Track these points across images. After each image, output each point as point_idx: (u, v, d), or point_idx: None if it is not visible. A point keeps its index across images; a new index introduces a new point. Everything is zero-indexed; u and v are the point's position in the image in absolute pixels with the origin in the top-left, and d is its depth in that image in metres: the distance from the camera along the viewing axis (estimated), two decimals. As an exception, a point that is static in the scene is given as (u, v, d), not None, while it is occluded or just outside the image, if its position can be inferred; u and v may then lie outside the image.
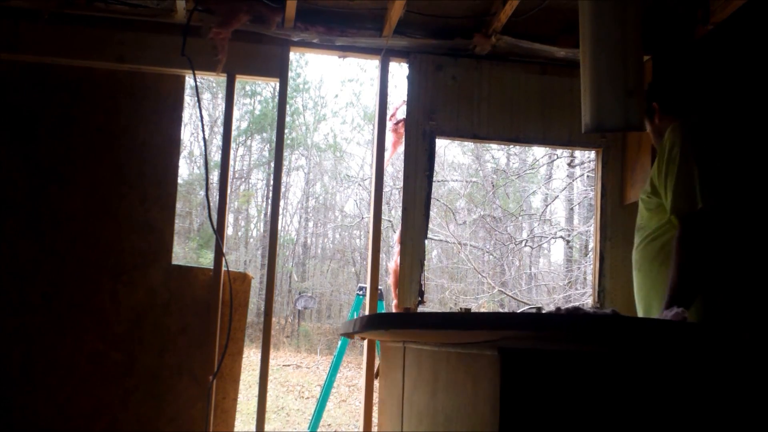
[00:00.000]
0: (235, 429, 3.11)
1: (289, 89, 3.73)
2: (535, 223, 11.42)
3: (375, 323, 1.68)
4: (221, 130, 3.69)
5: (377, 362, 3.05)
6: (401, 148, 3.26)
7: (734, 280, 1.83)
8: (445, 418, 1.53)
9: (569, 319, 1.28)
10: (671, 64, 3.26)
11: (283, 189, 9.52)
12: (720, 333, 1.50)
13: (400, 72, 17.42)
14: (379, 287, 3.42)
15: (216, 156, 12.34)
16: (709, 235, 1.75)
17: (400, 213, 3.23)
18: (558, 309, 1.78)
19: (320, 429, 7.22)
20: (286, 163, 15.48)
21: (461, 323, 1.27)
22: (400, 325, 1.58)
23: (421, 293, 3.17)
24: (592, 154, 3.65)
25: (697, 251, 1.74)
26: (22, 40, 2.95)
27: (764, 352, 1.44)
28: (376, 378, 3.03)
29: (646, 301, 2.11)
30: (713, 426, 1.32)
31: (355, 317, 1.88)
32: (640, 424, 1.26)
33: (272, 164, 13.74)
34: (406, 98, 3.26)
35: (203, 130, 3.45)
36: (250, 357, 9.97)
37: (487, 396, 1.24)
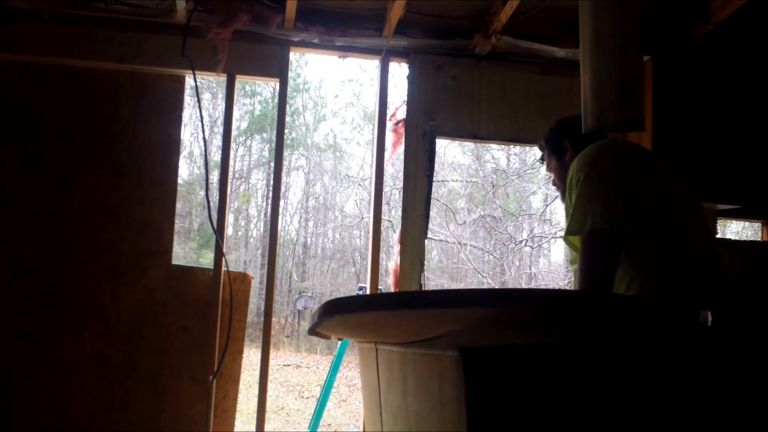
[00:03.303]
0: (235, 429, 3.11)
1: (289, 89, 3.73)
2: (535, 223, 11.42)
3: (330, 310, 1.62)
4: (221, 130, 3.69)
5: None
6: (401, 148, 3.26)
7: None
8: (416, 419, 1.51)
9: (527, 294, 1.25)
10: (671, 64, 3.26)
11: (283, 189, 9.53)
12: (681, 311, 1.48)
13: (400, 72, 17.42)
14: (379, 287, 3.41)
15: (216, 156, 12.34)
16: (611, 250, 1.72)
17: (400, 213, 3.23)
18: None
19: (320, 429, 7.22)
20: (286, 163, 15.48)
21: (414, 302, 1.25)
22: (353, 308, 1.53)
23: (421, 293, 3.17)
24: (592, 154, 3.65)
25: (600, 265, 1.71)
26: (22, 40, 2.95)
27: (730, 335, 1.43)
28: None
29: None
30: (684, 420, 1.31)
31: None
32: (604, 416, 1.25)
33: (272, 164, 13.74)
34: (406, 98, 3.26)
35: (203, 130, 3.45)
36: (250, 357, 9.97)
37: (452, 397, 1.23)
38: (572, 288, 2.06)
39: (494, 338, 1.25)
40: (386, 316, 1.41)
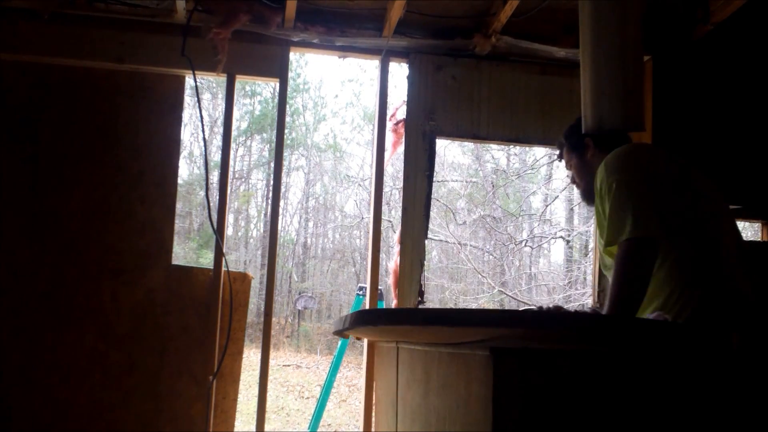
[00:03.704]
0: (235, 429, 3.10)
1: (289, 89, 3.73)
2: (535, 223, 11.42)
3: (365, 319, 1.67)
4: (221, 130, 3.69)
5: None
6: (401, 149, 3.26)
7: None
8: (437, 418, 1.53)
9: (556, 317, 1.28)
10: (671, 64, 3.26)
11: (283, 189, 9.52)
12: (707, 334, 1.49)
13: (400, 72, 17.41)
14: (379, 287, 3.41)
15: (216, 156, 12.33)
16: (648, 259, 1.68)
17: (400, 213, 3.23)
18: (540, 308, 1.77)
19: (320, 429, 7.22)
20: (286, 163, 15.47)
21: (449, 320, 1.27)
22: (389, 321, 1.57)
23: (421, 293, 3.17)
24: (592, 154, 3.65)
25: (637, 273, 1.66)
26: (22, 40, 2.95)
27: (753, 354, 1.44)
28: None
29: None
30: (703, 425, 1.32)
31: (346, 314, 1.87)
32: (631, 423, 1.26)
33: (272, 164, 13.74)
34: (406, 98, 3.26)
35: (203, 131, 3.45)
36: (250, 357, 9.97)
37: (480, 396, 1.24)
38: (604, 290, 2.06)
39: (523, 344, 1.27)
40: (418, 328, 1.43)
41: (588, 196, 2.11)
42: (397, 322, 1.53)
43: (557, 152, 2.29)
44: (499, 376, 1.18)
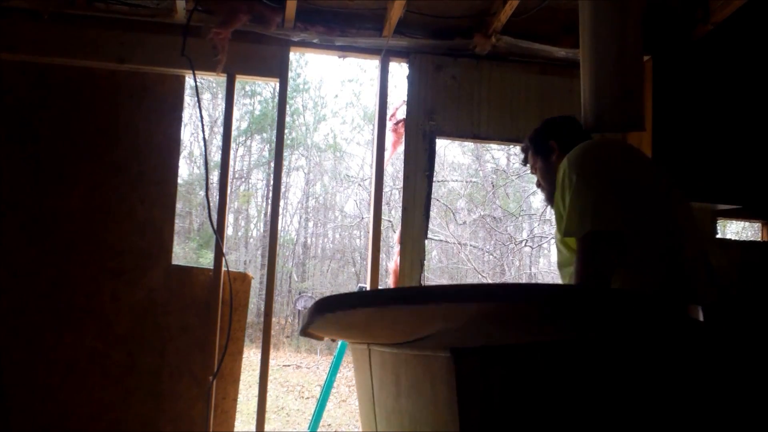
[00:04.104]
0: (235, 429, 3.10)
1: (289, 89, 3.73)
2: (535, 223, 11.42)
3: (320, 308, 1.61)
4: (221, 130, 3.69)
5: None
6: (401, 148, 3.26)
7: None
8: (410, 420, 1.51)
9: (516, 289, 1.25)
10: (671, 64, 3.26)
11: (283, 189, 9.52)
12: (677, 310, 1.46)
13: (400, 72, 17.41)
14: (379, 288, 3.41)
15: (216, 156, 12.33)
16: (610, 253, 1.65)
17: (400, 213, 3.23)
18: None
19: (320, 429, 7.22)
20: (286, 163, 15.46)
21: (407, 298, 1.24)
22: (343, 306, 1.52)
23: (421, 293, 3.16)
24: (592, 154, 3.65)
25: (598, 267, 1.65)
26: (22, 40, 2.95)
27: (718, 330, 1.42)
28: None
29: None
30: (677, 419, 1.30)
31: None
32: (600, 418, 1.24)
33: (272, 164, 13.73)
34: (406, 98, 3.26)
35: (203, 130, 3.45)
36: (250, 357, 9.97)
37: (445, 398, 1.23)
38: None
39: (485, 337, 1.24)
40: (376, 313, 1.40)
41: (552, 199, 2.11)
42: (351, 305, 1.48)
43: (522, 156, 2.27)
44: (461, 377, 1.16)
